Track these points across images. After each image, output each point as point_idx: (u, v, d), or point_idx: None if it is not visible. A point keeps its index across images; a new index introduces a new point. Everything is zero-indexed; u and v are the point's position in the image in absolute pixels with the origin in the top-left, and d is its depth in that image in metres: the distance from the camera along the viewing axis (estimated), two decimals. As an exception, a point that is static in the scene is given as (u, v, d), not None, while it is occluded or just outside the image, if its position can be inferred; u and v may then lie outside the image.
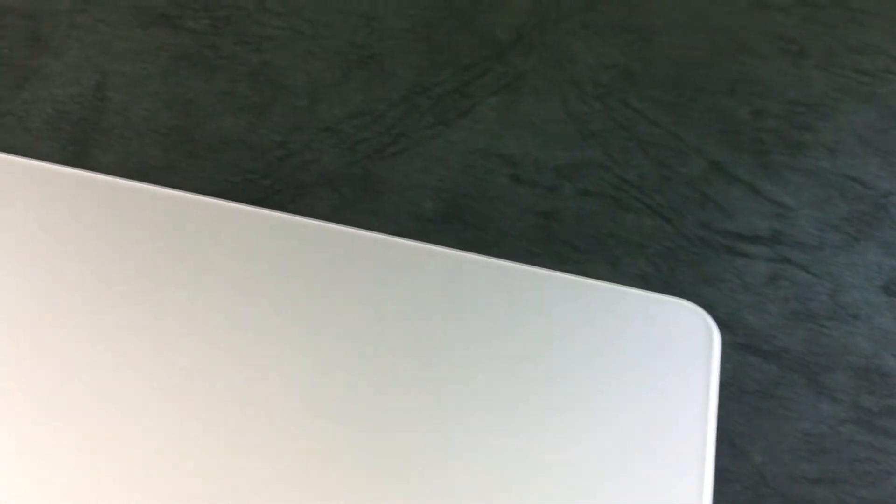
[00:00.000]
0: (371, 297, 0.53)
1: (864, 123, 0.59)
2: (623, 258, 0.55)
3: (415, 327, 0.53)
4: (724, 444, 0.49)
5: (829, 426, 0.51)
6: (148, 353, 0.51)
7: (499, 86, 0.60)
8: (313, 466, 0.50)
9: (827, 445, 0.50)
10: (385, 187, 0.58)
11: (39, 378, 0.51)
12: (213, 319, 0.53)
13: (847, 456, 0.50)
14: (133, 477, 0.49)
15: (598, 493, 0.48)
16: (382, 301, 0.54)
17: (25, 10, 0.63)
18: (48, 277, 0.54)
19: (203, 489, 0.49)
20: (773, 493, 0.49)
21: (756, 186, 0.57)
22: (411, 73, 0.60)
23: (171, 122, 0.60)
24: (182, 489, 0.49)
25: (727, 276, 0.54)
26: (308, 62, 0.61)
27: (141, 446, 0.50)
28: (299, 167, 0.58)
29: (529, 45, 0.60)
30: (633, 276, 0.54)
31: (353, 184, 0.58)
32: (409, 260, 0.55)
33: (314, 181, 0.58)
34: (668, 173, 0.57)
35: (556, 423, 0.50)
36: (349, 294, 0.54)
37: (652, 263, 0.55)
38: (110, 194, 0.57)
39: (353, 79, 0.60)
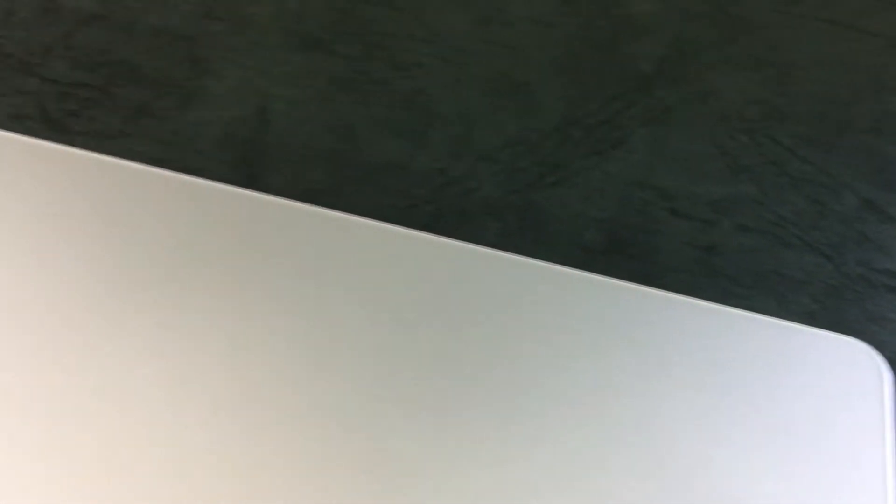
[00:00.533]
0: (539, 326, 0.55)
1: None
2: (788, 295, 0.57)
3: (582, 357, 0.54)
4: (902, 482, 0.52)
5: None
6: (312, 375, 0.53)
7: (647, 118, 0.62)
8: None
9: None
10: (547, 217, 0.60)
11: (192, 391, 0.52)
12: (380, 346, 0.54)
13: None
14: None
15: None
16: (550, 330, 0.55)
17: (181, 30, 0.64)
18: (223, 299, 0.55)
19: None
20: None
21: (911, 226, 0.60)
22: (560, 103, 0.62)
23: (334, 147, 0.61)
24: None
25: (891, 315, 0.57)
26: (458, 90, 0.63)
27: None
28: (461, 195, 0.60)
29: (672, 78, 0.62)
30: (800, 313, 0.57)
31: (515, 213, 0.60)
32: (576, 290, 0.56)
33: (477, 209, 0.60)
34: (822, 210, 0.60)
35: (726, 462, 0.51)
36: (517, 323, 0.55)
37: (817, 301, 0.57)
38: (282, 217, 0.58)
39: (504, 107, 0.62)
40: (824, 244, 0.59)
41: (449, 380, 0.53)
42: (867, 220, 0.60)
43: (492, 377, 0.53)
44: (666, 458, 0.51)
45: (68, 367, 0.52)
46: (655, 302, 0.56)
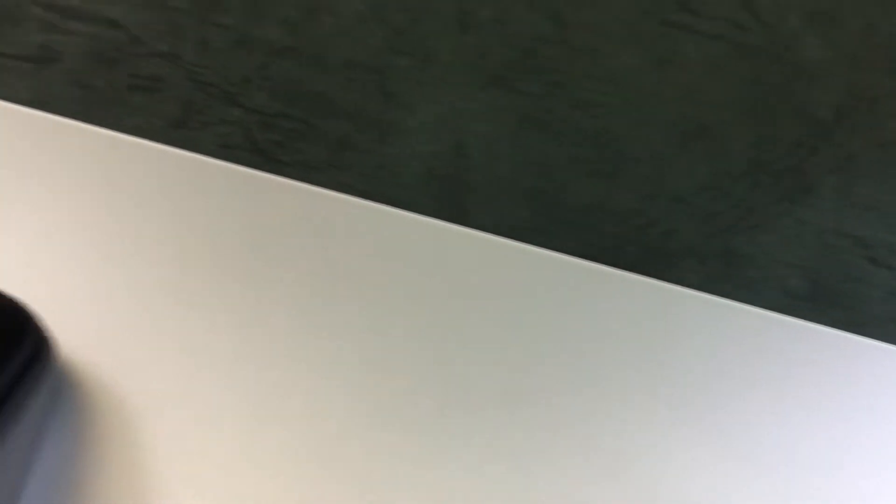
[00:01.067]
0: (749, 371, 0.61)
1: None
2: None
3: (793, 403, 0.60)
4: None
5: None
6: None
7: (833, 165, 0.56)
8: None
9: None
10: (748, 262, 0.62)
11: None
12: (589, 384, 0.61)
13: None
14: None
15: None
16: (759, 374, 0.61)
17: (370, 64, 0.63)
18: (429, 335, 0.62)
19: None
20: None
21: None
22: (744, 147, 0.57)
23: (532, 184, 0.64)
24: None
25: None
26: (643, 130, 0.59)
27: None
28: (662, 237, 0.63)
29: (852, 126, 0.53)
30: None
31: (716, 256, 0.62)
32: (784, 335, 0.62)
33: (679, 251, 0.63)
34: None
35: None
36: (725, 366, 0.61)
37: None
38: (492, 253, 0.64)
39: (691, 150, 0.59)
40: None
41: (658, 419, 0.60)
42: None
43: (698, 419, 0.61)
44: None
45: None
46: (864, 350, 0.60)
